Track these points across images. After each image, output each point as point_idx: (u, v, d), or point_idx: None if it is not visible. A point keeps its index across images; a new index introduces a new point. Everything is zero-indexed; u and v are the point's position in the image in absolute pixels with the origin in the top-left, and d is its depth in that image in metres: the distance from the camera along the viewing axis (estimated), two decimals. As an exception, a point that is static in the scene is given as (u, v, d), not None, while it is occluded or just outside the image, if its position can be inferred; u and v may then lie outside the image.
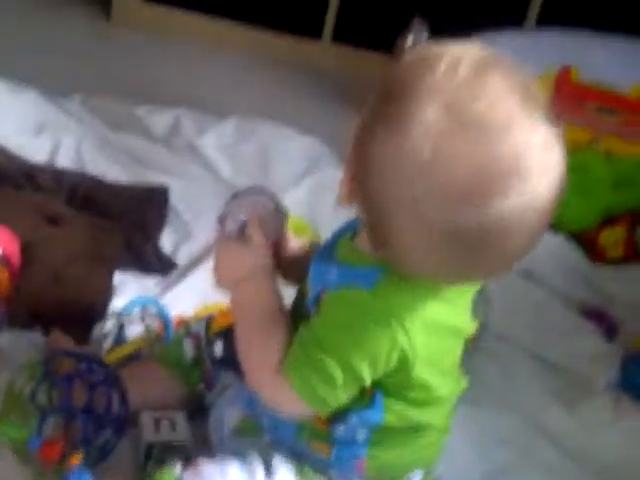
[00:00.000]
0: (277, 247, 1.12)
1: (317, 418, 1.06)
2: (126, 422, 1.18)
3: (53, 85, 1.97)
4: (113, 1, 2.50)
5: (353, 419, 1.05)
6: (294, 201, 1.64)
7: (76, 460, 1.09)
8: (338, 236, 1.07)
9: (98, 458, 1.14)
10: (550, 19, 2.42)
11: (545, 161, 0.88)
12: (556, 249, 1.79)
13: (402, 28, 2.14)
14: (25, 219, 1.45)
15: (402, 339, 0.96)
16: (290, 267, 1.13)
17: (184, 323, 1.35)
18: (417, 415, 1.06)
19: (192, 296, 1.46)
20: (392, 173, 0.89)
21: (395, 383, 1.02)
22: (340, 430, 1.06)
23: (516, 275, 1.71)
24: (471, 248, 0.89)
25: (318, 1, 2.52)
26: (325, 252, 1.06)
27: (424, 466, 1.13)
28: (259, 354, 1.04)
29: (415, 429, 1.08)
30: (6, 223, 1.39)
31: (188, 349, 1.26)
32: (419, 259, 0.92)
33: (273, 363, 1.02)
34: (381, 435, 1.07)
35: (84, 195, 1.62)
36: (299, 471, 1.09)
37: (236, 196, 1.11)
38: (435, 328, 1.00)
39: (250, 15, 2.52)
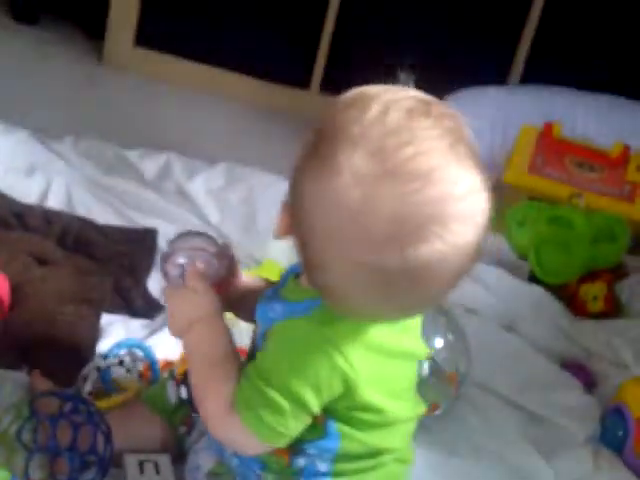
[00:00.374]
0: (226, 287, 1.14)
1: (278, 453, 1.07)
2: (110, 462, 1.18)
3: (44, 126, 1.99)
4: (105, 44, 2.53)
5: (310, 450, 1.06)
6: (279, 248, 1.65)
7: None
8: (286, 276, 1.09)
9: (82, 498, 1.14)
10: (534, 77, 2.46)
11: (468, 209, 0.90)
12: (537, 301, 1.81)
13: (390, 80, 2.19)
14: (16, 259, 1.46)
15: (341, 364, 0.98)
16: (243, 304, 1.15)
17: (169, 366, 1.36)
18: (373, 439, 1.06)
19: (177, 340, 1.47)
20: (321, 212, 0.91)
21: (345, 407, 1.03)
22: (300, 463, 1.07)
23: (497, 326, 1.73)
24: (394, 289, 0.92)
25: (307, 52, 2.56)
26: (272, 292, 1.09)
27: None
28: (211, 395, 1.05)
29: (374, 454, 1.08)
30: (-3, 264, 1.39)
31: (171, 392, 1.26)
32: (345, 296, 0.95)
33: (224, 402, 1.03)
34: (342, 464, 1.07)
35: (74, 237, 1.63)
36: None
37: (176, 239, 1.13)
38: (379, 351, 1.01)
39: (240, 63, 2.55)
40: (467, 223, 0.90)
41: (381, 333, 1.01)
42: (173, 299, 1.12)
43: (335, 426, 1.05)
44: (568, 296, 1.86)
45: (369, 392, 1.01)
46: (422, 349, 1.10)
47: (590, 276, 1.86)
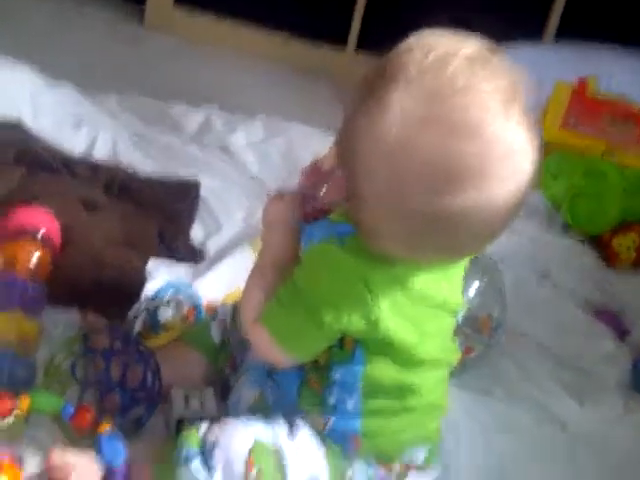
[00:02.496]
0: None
1: (311, 386, 1.11)
2: (159, 398, 1.22)
3: (89, 84, 2.02)
4: (146, 6, 2.57)
5: (337, 374, 1.09)
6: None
7: (107, 426, 1.13)
8: None
9: (132, 431, 1.19)
10: (568, 33, 2.46)
11: (509, 168, 0.91)
12: (570, 251, 1.84)
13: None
14: (65, 204, 1.49)
15: (368, 302, 1.01)
16: None
17: (212, 308, 1.40)
18: (401, 374, 1.09)
19: (220, 284, 1.50)
20: (363, 147, 0.94)
21: (372, 338, 1.05)
22: (331, 400, 1.10)
23: (530, 275, 1.75)
24: (421, 233, 0.95)
25: (343, 10, 2.58)
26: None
27: (421, 444, 1.15)
28: (248, 299, 1.11)
29: (400, 391, 1.10)
30: (48, 207, 1.42)
31: (215, 333, 1.30)
32: (378, 235, 0.97)
33: (256, 309, 1.08)
34: (369, 401, 1.09)
35: (120, 186, 1.66)
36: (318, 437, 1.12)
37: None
38: (413, 298, 1.03)
39: (278, 22, 2.58)
40: (506, 181, 0.90)
41: (418, 279, 1.02)
42: (275, 198, 1.15)
43: (361, 351, 1.07)
44: (601, 247, 1.88)
45: (393, 325, 1.03)
46: (459, 302, 1.11)
47: (623, 228, 1.88)
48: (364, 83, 0.96)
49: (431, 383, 1.13)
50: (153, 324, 1.38)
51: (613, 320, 1.70)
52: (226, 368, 1.29)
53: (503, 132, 0.90)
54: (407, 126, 0.90)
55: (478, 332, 1.46)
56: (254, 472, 1.05)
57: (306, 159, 1.84)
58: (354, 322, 1.02)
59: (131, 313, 1.39)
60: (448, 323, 1.13)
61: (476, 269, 1.43)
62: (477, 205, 0.90)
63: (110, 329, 1.30)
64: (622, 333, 1.68)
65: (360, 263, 1.00)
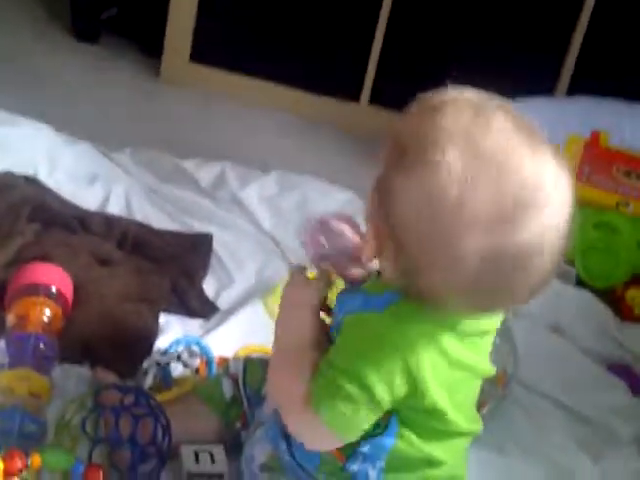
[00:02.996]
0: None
1: (335, 454, 1.09)
2: (169, 453, 1.22)
3: (104, 139, 2.04)
4: (162, 60, 2.60)
5: (366, 448, 1.07)
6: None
7: None
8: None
9: (143, 488, 1.19)
10: (581, 88, 2.46)
11: (557, 193, 0.93)
12: (584, 305, 1.83)
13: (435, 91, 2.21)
14: (78, 259, 1.51)
15: (413, 364, 0.99)
16: None
17: (224, 362, 1.40)
18: (428, 446, 1.07)
19: (231, 339, 1.51)
20: (420, 216, 0.93)
21: (409, 408, 1.04)
22: (353, 468, 1.08)
23: (544, 328, 1.75)
24: (498, 274, 0.94)
25: (357, 65, 2.60)
26: (352, 286, 1.11)
27: None
28: (287, 386, 1.07)
29: (424, 464, 1.09)
30: (60, 262, 1.44)
31: (227, 388, 1.30)
32: (441, 295, 0.96)
33: (300, 395, 1.04)
34: (392, 474, 1.08)
35: (133, 240, 1.67)
36: None
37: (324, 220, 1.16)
38: (449, 359, 1.02)
39: (291, 77, 2.61)
40: (558, 205, 0.93)
41: (450, 340, 1.02)
42: (292, 278, 1.16)
43: (396, 424, 1.06)
44: (615, 301, 1.87)
45: (436, 396, 1.02)
46: (489, 368, 1.11)
47: (636, 281, 1.88)
48: (392, 152, 0.97)
49: (456, 455, 1.12)
50: (164, 379, 1.39)
51: (627, 374, 1.69)
52: (237, 424, 1.29)
53: (543, 162, 0.93)
54: (459, 180, 0.91)
55: (492, 386, 1.45)
56: None
57: (319, 213, 1.87)
58: (402, 388, 1.01)
59: (142, 368, 1.39)
60: (475, 390, 1.12)
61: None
62: (541, 232, 0.92)
63: (120, 385, 1.31)
64: (636, 388, 1.67)
65: (404, 327, 1.00)
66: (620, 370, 1.69)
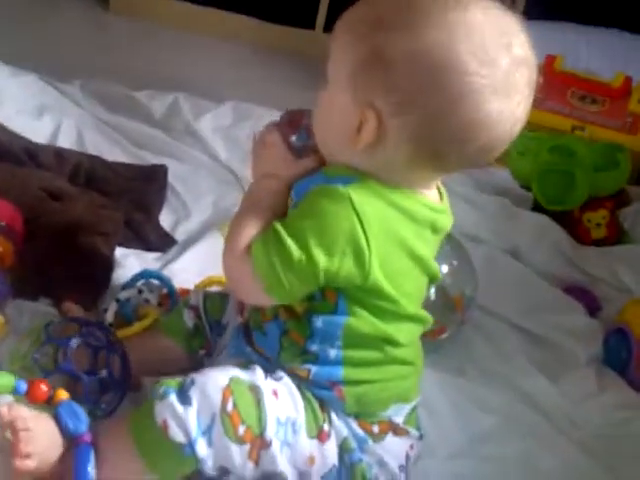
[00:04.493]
0: None
1: (294, 337, 1.11)
2: (128, 385, 1.22)
3: (53, 71, 2.01)
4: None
5: (319, 323, 1.09)
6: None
7: (63, 396, 1.11)
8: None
9: (102, 417, 1.17)
10: (535, 13, 2.46)
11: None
12: (540, 228, 1.84)
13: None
14: (29, 194, 1.48)
15: (360, 234, 1.02)
16: None
17: (185, 294, 1.39)
18: (383, 325, 1.10)
19: (191, 271, 1.49)
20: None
21: (357, 288, 1.06)
22: (313, 348, 1.10)
23: (501, 253, 1.76)
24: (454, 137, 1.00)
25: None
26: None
27: (401, 400, 1.15)
28: (237, 234, 1.09)
29: (380, 342, 1.10)
30: (10, 197, 1.41)
31: (188, 319, 1.30)
32: (410, 158, 1.02)
33: (245, 243, 1.07)
34: (350, 350, 1.10)
35: (86, 174, 1.65)
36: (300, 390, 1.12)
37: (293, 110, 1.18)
38: (396, 241, 1.05)
39: (245, 6, 2.57)
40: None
41: (401, 224, 1.05)
42: (261, 149, 1.16)
43: (345, 303, 1.08)
44: (571, 223, 1.88)
45: (379, 277, 1.05)
46: (435, 268, 1.13)
47: (593, 203, 1.88)
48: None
49: (408, 337, 1.14)
50: (125, 314, 1.37)
51: (584, 296, 1.70)
52: (200, 352, 1.29)
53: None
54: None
55: (451, 311, 1.47)
56: (230, 404, 1.05)
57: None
58: (346, 266, 1.03)
59: (102, 304, 1.38)
60: (423, 285, 1.14)
61: (448, 247, 1.43)
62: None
63: (77, 317, 1.30)
64: (593, 309, 1.69)
65: (361, 202, 1.02)
66: (577, 292, 1.70)
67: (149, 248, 1.57)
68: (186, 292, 1.41)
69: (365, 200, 1.02)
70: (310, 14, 2.59)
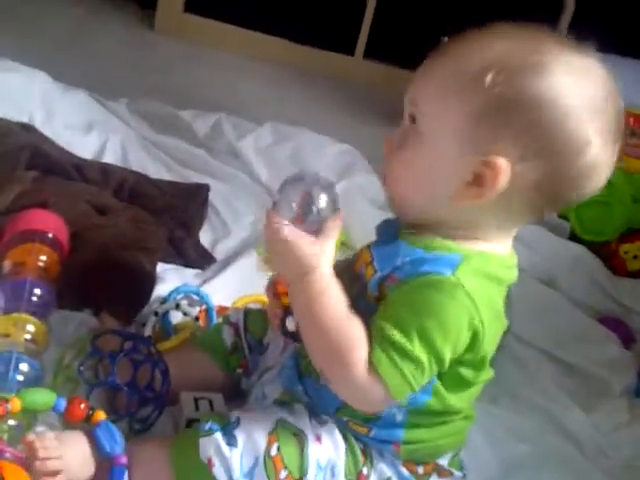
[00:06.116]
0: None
1: None
2: (167, 399, 1.23)
3: (100, 89, 2.03)
4: (157, 11, 2.60)
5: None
6: (327, 204, 1.69)
7: (101, 416, 1.11)
8: (392, 227, 1.09)
9: (140, 431, 1.19)
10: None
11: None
12: (577, 258, 1.84)
13: (430, 47, 2.21)
14: (76, 207, 1.50)
15: (477, 320, 1.00)
16: None
17: (223, 311, 1.41)
18: (455, 399, 1.09)
19: (228, 289, 1.51)
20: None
21: (458, 361, 1.04)
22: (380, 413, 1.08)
23: (537, 281, 1.76)
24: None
25: (352, 19, 2.60)
26: (385, 235, 1.09)
27: (452, 450, 1.16)
28: (342, 354, 1.01)
29: (448, 414, 1.10)
30: (58, 210, 1.43)
31: (227, 336, 1.30)
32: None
33: (364, 366, 1.00)
34: (418, 417, 1.09)
35: (130, 189, 1.67)
36: (343, 434, 1.11)
37: (292, 181, 1.06)
38: (495, 312, 1.05)
39: (287, 30, 2.60)
40: None
41: (498, 297, 1.06)
42: (282, 246, 1.04)
43: (434, 383, 1.06)
44: (608, 255, 1.88)
45: (487, 347, 1.05)
46: (507, 321, 1.11)
47: (630, 235, 1.89)
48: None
49: (472, 399, 1.14)
50: (164, 327, 1.39)
51: (618, 327, 1.70)
52: (238, 370, 1.30)
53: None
54: None
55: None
56: (274, 448, 1.06)
57: (313, 164, 1.88)
58: (463, 343, 1.02)
59: (140, 317, 1.39)
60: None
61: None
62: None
63: (121, 330, 1.32)
64: (628, 340, 1.69)
65: (471, 287, 0.99)
66: (612, 323, 1.71)
67: (189, 264, 1.59)
68: (224, 309, 1.43)
69: (474, 284, 1.00)
70: (350, 40, 2.61)
